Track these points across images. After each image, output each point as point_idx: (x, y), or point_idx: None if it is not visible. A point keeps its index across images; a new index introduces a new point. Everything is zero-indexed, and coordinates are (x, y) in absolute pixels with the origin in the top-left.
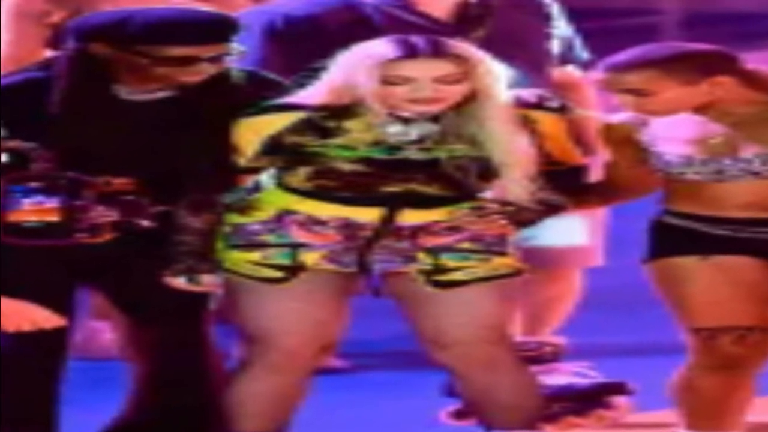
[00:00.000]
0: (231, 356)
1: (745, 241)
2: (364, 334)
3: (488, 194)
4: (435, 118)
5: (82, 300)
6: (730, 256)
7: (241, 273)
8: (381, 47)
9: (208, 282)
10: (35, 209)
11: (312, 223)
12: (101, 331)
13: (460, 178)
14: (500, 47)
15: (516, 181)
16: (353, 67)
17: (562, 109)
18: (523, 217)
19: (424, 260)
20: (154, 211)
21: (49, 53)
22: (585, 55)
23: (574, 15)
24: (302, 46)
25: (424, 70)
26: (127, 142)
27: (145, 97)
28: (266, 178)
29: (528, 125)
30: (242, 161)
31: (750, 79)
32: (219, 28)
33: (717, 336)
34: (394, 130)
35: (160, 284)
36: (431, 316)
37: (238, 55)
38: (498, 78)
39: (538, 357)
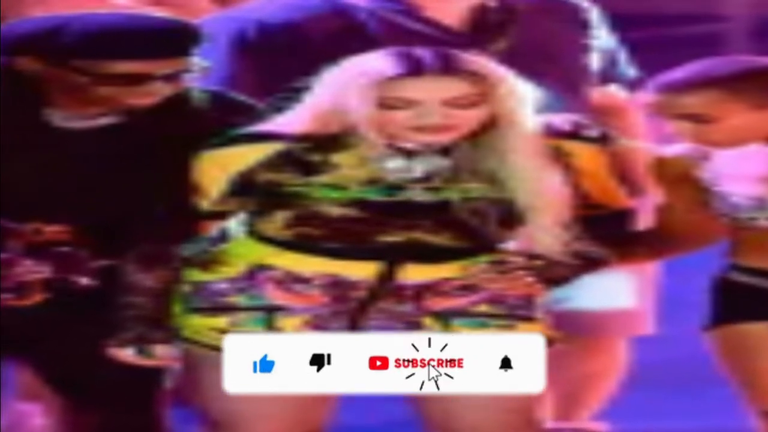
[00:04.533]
0: None
1: None
2: (357, 420)
3: (511, 245)
4: (445, 151)
5: (6, 377)
6: None
7: (205, 343)
8: (378, 62)
9: (163, 354)
10: None
11: (292, 280)
12: (30, 415)
13: (476, 225)
14: (526, 62)
15: (546, 229)
16: (343, 87)
17: (603, 139)
18: (555, 273)
19: (432, 327)
20: (96, 266)
21: None
22: (632, 71)
23: (619, 22)
24: (280, 60)
25: (431, 91)
26: (61, 180)
27: (84, 125)
28: (235, 225)
29: (561, 159)
30: (205, 204)
31: None
32: (176, 39)
33: None
34: (394, 165)
35: (103, 357)
36: (440, 397)
37: (200, 72)
38: (523, 100)
39: None
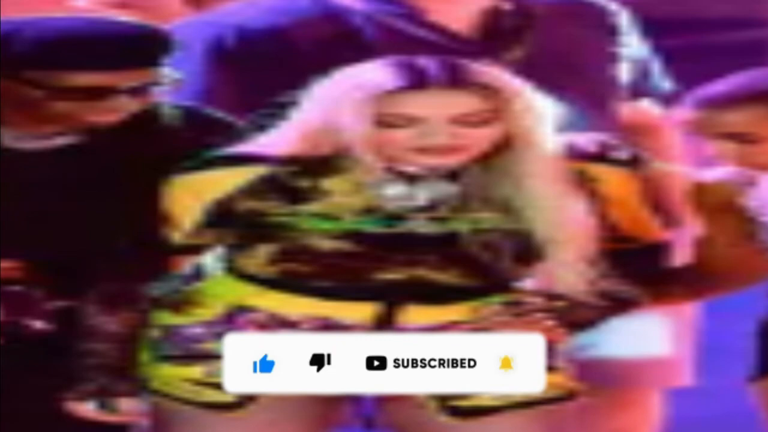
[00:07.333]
0: None
1: None
2: None
3: (528, 284)
4: (452, 175)
5: None
6: None
7: (176, 396)
8: (375, 74)
9: (129, 409)
10: None
11: (277, 324)
12: None
13: (488, 261)
14: (546, 73)
15: (568, 266)
16: (336, 102)
17: (633, 163)
18: (579, 316)
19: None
20: (52, 307)
21: None
22: (666, 84)
23: (652, 28)
24: (263, 71)
25: (436, 107)
26: (12, 210)
27: (38, 145)
28: (211, 260)
29: (586, 185)
30: (177, 236)
31: None
32: (144, 47)
33: None
34: (394, 191)
35: (61, 412)
36: None
37: (171, 85)
38: (542, 117)
39: None
